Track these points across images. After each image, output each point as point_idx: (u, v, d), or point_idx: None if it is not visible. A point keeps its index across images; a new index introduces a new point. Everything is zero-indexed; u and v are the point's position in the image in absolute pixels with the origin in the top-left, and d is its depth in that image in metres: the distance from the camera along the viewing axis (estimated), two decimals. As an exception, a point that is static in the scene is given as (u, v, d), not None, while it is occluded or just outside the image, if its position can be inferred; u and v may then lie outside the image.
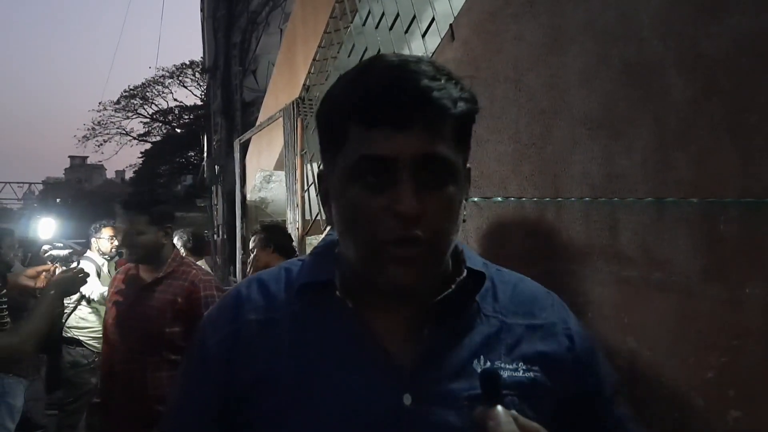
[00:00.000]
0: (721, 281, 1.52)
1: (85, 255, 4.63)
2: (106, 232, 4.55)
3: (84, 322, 4.31)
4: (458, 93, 0.76)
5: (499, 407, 0.67)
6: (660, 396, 1.57)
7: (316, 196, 4.23)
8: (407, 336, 0.79)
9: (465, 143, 0.80)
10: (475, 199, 2.29)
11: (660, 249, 1.64)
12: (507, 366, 0.80)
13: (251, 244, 3.42)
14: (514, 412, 0.67)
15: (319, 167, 0.86)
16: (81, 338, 4.30)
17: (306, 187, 4.38)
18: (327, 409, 0.76)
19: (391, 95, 0.71)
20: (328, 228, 3.93)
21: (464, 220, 0.79)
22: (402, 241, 0.72)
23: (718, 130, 1.53)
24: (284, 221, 4.70)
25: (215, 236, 13.24)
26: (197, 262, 4.41)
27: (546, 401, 0.81)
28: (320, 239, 4.10)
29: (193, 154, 29.80)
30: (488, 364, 0.79)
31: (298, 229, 4.42)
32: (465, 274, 0.82)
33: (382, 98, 0.72)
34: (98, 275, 4.38)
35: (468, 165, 0.82)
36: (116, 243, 4.59)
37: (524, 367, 0.81)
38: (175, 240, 4.48)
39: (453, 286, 0.80)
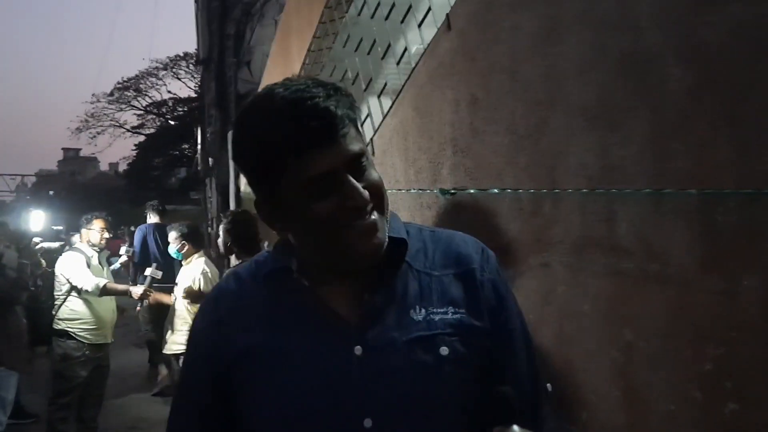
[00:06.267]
0: (719, 273, 1.51)
1: (74, 246, 4.61)
2: (97, 223, 4.51)
3: (75, 313, 4.27)
4: (347, 99, 0.92)
5: (515, 427, 0.81)
6: (656, 388, 1.56)
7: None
8: (353, 302, 0.96)
9: (360, 131, 0.96)
10: (471, 191, 2.28)
11: (657, 240, 1.63)
12: (438, 311, 0.96)
13: (220, 230, 3.54)
14: None
15: (258, 197, 0.99)
16: (72, 330, 4.26)
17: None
18: (296, 366, 0.94)
19: (309, 123, 0.87)
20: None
21: None
22: (359, 220, 0.91)
23: (716, 121, 1.52)
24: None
25: (209, 229, 13.20)
26: (196, 256, 4.39)
27: (476, 338, 0.96)
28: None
29: (187, 146, 29.68)
30: (423, 312, 0.96)
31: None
32: (386, 242, 0.96)
33: (303, 131, 0.87)
34: (88, 266, 4.34)
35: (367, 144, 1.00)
36: (107, 235, 4.56)
37: (452, 310, 0.97)
38: (174, 233, 4.44)
39: (382, 252, 0.95)
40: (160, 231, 6.76)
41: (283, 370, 0.94)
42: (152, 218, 6.97)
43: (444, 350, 0.94)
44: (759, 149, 1.43)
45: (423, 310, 0.96)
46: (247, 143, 0.94)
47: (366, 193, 0.91)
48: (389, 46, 3.07)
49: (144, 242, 6.55)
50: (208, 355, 1.01)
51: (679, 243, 1.58)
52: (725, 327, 1.49)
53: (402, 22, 2.94)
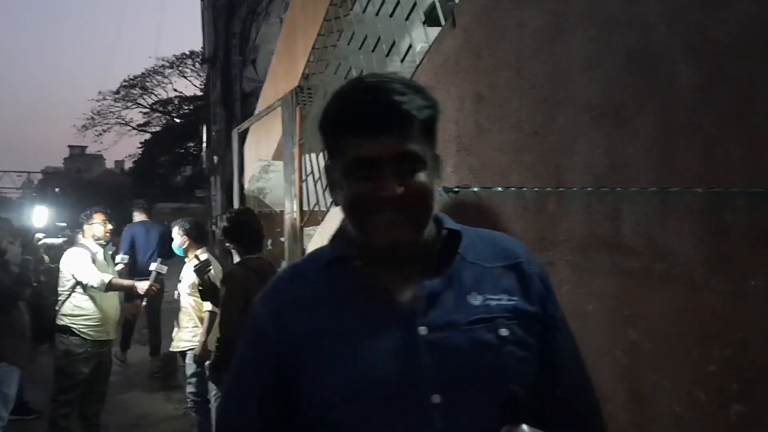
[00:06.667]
0: (726, 273, 1.48)
1: (78, 242, 4.60)
2: (98, 217, 4.49)
3: (79, 309, 4.26)
4: (423, 102, 0.98)
5: (524, 426, 0.85)
6: (661, 389, 1.54)
7: (314, 186, 4.20)
8: (412, 288, 1.02)
9: (432, 139, 1.03)
10: (475, 189, 2.26)
11: (663, 240, 1.61)
12: (494, 297, 1.03)
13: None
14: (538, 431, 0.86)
15: (326, 161, 1.09)
16: (75, 326, 4.25)
17: (304, 177, 4.33)
18: (362, 348, 0.98)
19: (371, 110, 0.96)
20: (331, 213, 3.86)
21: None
22: (385, 212, 0.97)
23: (724, 119, 1.50)
24: (282, 212, 4.67)
25: (213, 227, 13.21)
26: (200, 252, 4.36)
27: (531, 322, 1.03)
28: (317, 229, 4.02)
29: (192, 144, 29.73)
30: (480, 297, 1.02)
31: (295, 219, 4.37)
32: (445, 233, 1.05)
33: (364, 114, 0.96)
34: (93, 262, 4.33)
35: (437, 153, 1.05)
36: (110, 227, 4.54)
37: (507, 297, 1.03)
38: (177, 229, 4.43)
39: (439, 244, 1.05)
40: (147, 228, 6.92)
41: (350, 352, 0.99)
42: (138, 217, 7.10)
43: (504, 331, 1.00)
44: (767, 148, 1.41)
45: (480, 296, 1.02)
46: (325, 114, 1.04)
47: (400, 189, 0.96)
48: (394, 43, 3.06)
49: (132, 240, 6.65)
50: (272, 341, 1.04)
51: (685, 242, 1.56)
52: (732, 328, 1.47)
53: (407, 19, 2.93)
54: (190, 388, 4.30)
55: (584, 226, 1.79)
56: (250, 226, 3.44)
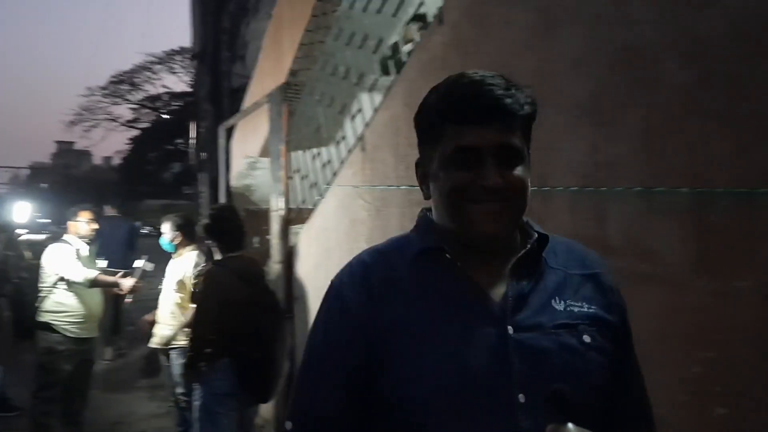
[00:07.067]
0: (711, 273, 1.47)
1: (62, 238, 4.53)
2: (84, 215, 4.43)
3: (61, 306, 4.19)
4: (524, 99, 1.00)
5: (570, 425, 0.86)
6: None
7: (301, 183, 4.16)
8: (501, 286, 1.02)
9: (528, 136, 1.04)
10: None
11: (648, 240, 1.59)
12: (575, 304, 1.03)
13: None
14: (585, 430, 0.87)
15: (421, 153, 1.10)
16: (56, 323, 4.18)
17: (291, 175, 4.30)
18: (450, 340, 0.98)
19: (476, 102, 0.98)
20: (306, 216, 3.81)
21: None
22: (486, 202, 0.98)
23: (710, 118, 1.49)
24: (268, 209, 4.62)
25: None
26: (189, 249, 4.29)
27: (608, 331, 1.04)
28: (301, 227, 3.96)
29: (181, 141, 29.47)
30: (563, 303, 1.02)
31: (282, 217, 4.34)
32: (536, 237, 1.05)
33: (470, 104, 0.98)
34: (77, 257, 4.26)
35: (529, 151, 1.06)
36: (94, 226, 4.48)
37: (587, 305, 1.04)
38: (169, 224, 4.36)
39: (529, 246, 1.04)
40: (115, 224, 6.97)
41: (441, 343, 0.99)
42: (108, 212, 7.18)
43: (587, 338, 1.01)
44: (754, 147, 1.40)
45: (563, 302, 1.03)
46: (425, 104, 1.06)
47: (501, 180, 0.97)
48: (381, 40, 3.03)
49: (100, 235, 6.69)
50: (361, 323, 1.03)
51: (670, 243, 1.54)
52: (716, 329, 1.46)
53: (394, 15, 2.90)
54: (179, 388, 4.24)
55: (569, 226, 1.78)
56: (231, 222, 3.34)
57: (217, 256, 3.35)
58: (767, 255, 1.37)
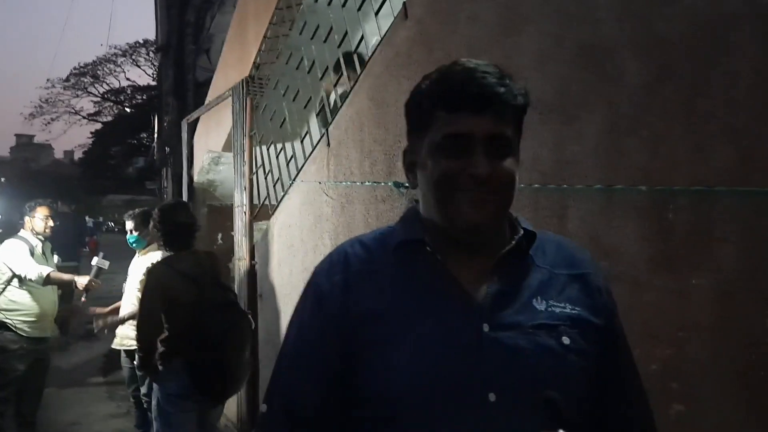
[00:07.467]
0: (669, 271, 1.48)
1: (17, 234, 4.38)
2: (41, 211, 4.28)
3: (14, 304, 4.05)
4: (517, 90, 0.98)
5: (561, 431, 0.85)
6: (603, 388, 1.53)
7: (265, 179, 4.09)
8: (482, 281, 1.00)
9: (519, 128, 1.02)
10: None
11: (608, 237, 1.60)
12: (558, 304, 1.01)
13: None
14: None
15: (403, 149, 1.09)
16: (9, 321, 4.04)
17: (255, 170, 4.22)
18: (424, 335, 0.97)
19: (469, 89, 0.96)
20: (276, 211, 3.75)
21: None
22: (473, 191, 0.96)
23: (671, 116, 1.49)
24: (232, 205, 4.54)
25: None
26: (155, 247, 4.16)
27: (592, 334, 1.01)
28: (264, 223, 3.90)
29: (145, 135, 28.99)
30: (544, 303, 1.00)
31: (245, 213, 4.27)
32: (522, 233, 1.03)
33: (462, 91, 0.96)
34: (32, 255, 4.13)
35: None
36: (50, 223, 4.34)
37: (570, 306, 1.01)
38: (129, 222, 4.24)
39: (514, 242, 1.02)
40: (66, 219, 7.08)
41: (415, 337, 0.97)
42: (60, 208, 7.32)
43: (566, 340, 0.98)
44: (713, 145, 1.41)
45: (544, 302, 1.01)
46: (416, 91, 1.03)
47: (491, 169, 0.95)
48: (346, 34, 2.99)
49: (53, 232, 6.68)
50: (336, 313, 1.02)
51: (629, 240, 1.55)
52: (674, 327, 1.47)
53: (359, 10, 2.87)
54: (143, 389, 4.14)
55: (531, 223, 1.77)
56: (177, 220, 3.19)
57: (165, 254, 3.27)
58: (725, 253, 1.38)
